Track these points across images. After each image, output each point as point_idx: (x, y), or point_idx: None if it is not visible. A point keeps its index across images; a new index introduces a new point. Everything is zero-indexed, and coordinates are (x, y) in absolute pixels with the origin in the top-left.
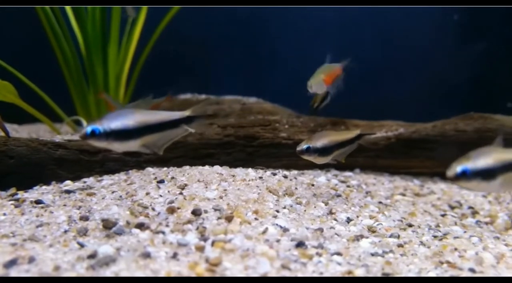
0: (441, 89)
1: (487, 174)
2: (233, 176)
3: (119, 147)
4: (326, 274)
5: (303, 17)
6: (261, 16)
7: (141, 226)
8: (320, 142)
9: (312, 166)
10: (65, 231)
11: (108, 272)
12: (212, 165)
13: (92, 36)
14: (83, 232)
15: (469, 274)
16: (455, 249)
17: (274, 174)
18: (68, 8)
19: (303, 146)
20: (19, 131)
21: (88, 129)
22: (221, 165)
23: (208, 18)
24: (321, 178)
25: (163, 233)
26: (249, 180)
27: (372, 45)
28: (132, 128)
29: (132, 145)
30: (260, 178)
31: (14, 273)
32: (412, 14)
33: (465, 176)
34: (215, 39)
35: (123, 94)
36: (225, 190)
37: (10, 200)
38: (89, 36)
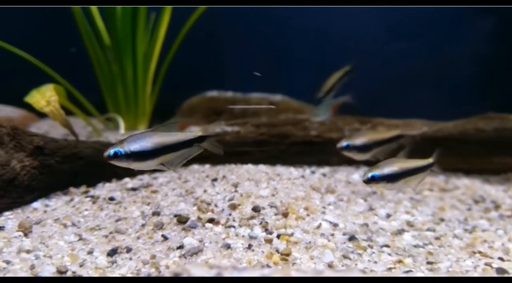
0: (463, 87)
1: (391, 178)
2: (278, 174)
3: (138, 166)
4: (380, 263)
5: (323, 14)
6: (281, 13)
7: (212, 221)
8: (359, 140)
9: (342, 163)
10: (143, 225)
11: (198, 261)
12: (251, 162)
13: (122, 33)
14: (160, 226)
15: (499, 262)
16: (485, 241)
17: (313, 172)
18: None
19: (343, 143)
20: (55, 127)
21: (111, 151)
22: (255, 162)
23: (229, 15)
24: (355, 176)
25: (233, 227)
26: (293, 179)
27: (391, 44)
28: (150, 150)
29: (150, 164)
30: (302, 176)
31: (119, 260)
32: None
33: (374, 180)
34: (236, 36)
35: (149, 91)
36: (275, 188)
37: (86, 197)
38: (119, 34)
